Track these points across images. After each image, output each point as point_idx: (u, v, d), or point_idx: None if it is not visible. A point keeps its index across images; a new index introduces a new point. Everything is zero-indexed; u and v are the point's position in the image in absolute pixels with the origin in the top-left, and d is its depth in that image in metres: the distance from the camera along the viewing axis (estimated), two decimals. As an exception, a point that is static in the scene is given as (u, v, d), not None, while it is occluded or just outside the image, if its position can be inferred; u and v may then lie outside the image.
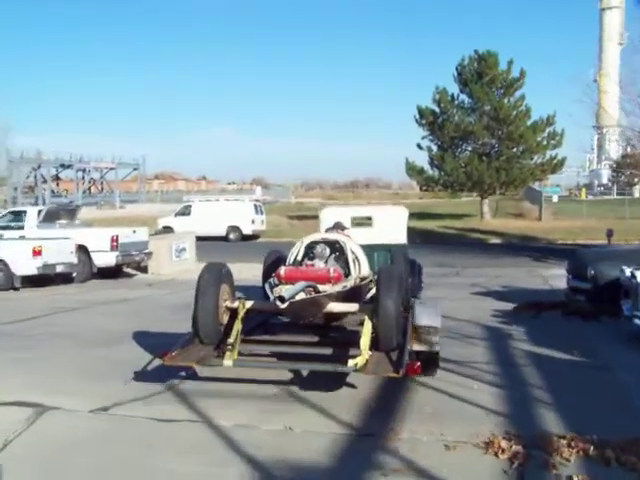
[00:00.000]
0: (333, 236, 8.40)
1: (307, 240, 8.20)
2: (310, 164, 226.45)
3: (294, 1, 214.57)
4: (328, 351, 6.86)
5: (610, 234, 22.93)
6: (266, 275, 8.26)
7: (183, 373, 7.40)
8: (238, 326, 6.73)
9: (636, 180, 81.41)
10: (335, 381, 6.96)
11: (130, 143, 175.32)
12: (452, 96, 44.94)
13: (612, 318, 10.74)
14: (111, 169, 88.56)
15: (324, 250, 7.97)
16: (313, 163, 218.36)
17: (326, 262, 7.87)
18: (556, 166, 43.96)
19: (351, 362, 6.09)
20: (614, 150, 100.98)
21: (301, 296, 6.52)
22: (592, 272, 11.60)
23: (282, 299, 6.26)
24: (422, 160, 46.30)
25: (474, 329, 10.41)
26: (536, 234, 36.68)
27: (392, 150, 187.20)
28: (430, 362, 6.87)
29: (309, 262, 7.82)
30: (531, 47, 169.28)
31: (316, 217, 43.34)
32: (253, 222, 36.89)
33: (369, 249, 8.83)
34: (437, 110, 44.64)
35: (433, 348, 6.93)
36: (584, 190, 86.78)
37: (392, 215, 11.04)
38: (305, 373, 7.40)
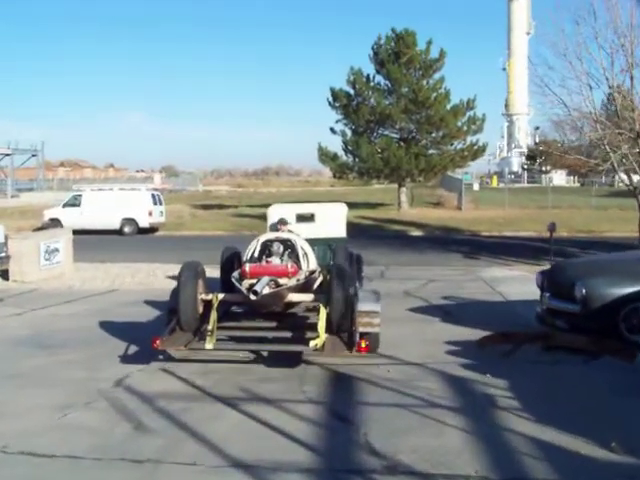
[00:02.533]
0: (285, 235, 9.27)
1: (262, 238, 9.05)
2: (222, 152, 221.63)
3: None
4: (288, 334, 7.84)
5: (552, 228, 20.28)
6: (223, 269, 9.09)
7: (161, 356, 7.96)
8: (214, 315, 7.60)
9: (549, 168, 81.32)
10: None
11: (33, 129, 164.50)
12: (368, 77, 41.59)
13: (617, 358, 7.71)
14: (6, 155, 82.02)
15: (279, 248, 8.75)
16: (225, 151, 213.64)
17: (281, 258, 8.62)
18: (477, 152, 41.37)
19: (312, 343, 7.11)
20: (523, 138, 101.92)
21: (266, 289, 7.36)
22: (583, 291, 8.50)
23: (255, 292, 7.14)
24: (336, 146, 43.13)
25: (432, 383, 7.09)
26: (459, 225, 34.10)
27: (305, 137, 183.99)
28: (373, 342, 7.71)
29: (268, 259, 8.57)
30: (449, 30, 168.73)
31: (221, 206, 39.95)
32: (151, 214, 32.82)
33: (310, 243, 9.55)
34: (352, 92, 41.23)
35: (375, 329, 7.78)
36: (495, 178, 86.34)
37: (332, 212, 11.63)
38: None
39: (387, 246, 24.82)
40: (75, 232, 31.73)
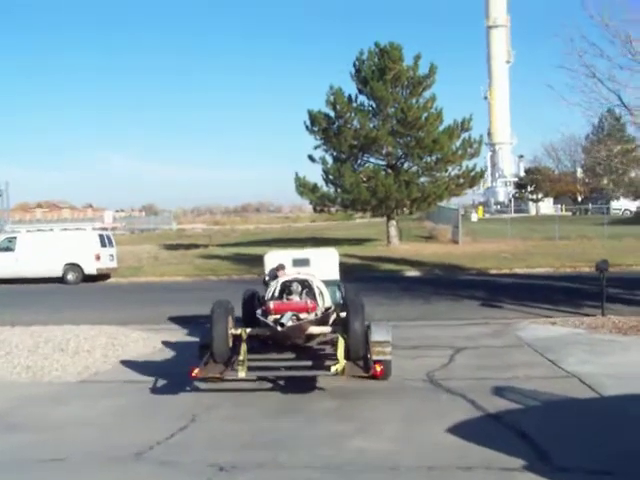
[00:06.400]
0: (303, 276, 10.18)
1: (282, 280, 9.98)
2: (204, 191, 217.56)
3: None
4: (309, 362, 8.85)
5: (604, 267, 15.47)
6: (245, 308, 10.37)
7: (188, 388, 8.94)
8: (244, 347, 8.63)
9: (540, 196, 77.36)
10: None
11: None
12: (350, 97, 36.81)
13: None
14: (-37, 195, 76.75)
15: (298, 287, 9.68)
16: (207, 190, 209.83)
17: (300, 296, 9.52)
18: (475, 179, 36.71)
19: (333, 368, 8.14)
20: (507, 167, 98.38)
21: (290, 322, 8.55)
22: None
23: (282, 324, 8.43)
24: (316, 176, 38.28)
25: None
26: (460, 262, 29.28)
27: (287, 173, 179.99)
28: (386, 369, 8.86)
29: (289, 297, 9.49)
30: (427, 54, 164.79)
31: (190, 246, 34.59)
32: (98, 258, 27.61)
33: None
34: (332, 114, 36.55)
35: (386, 357, 8.92)
36: (481, 208, 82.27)
37: (325, 256, 12.06)
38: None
39: (382, 291, 19.89)
40: (10, 282, 27.02)
